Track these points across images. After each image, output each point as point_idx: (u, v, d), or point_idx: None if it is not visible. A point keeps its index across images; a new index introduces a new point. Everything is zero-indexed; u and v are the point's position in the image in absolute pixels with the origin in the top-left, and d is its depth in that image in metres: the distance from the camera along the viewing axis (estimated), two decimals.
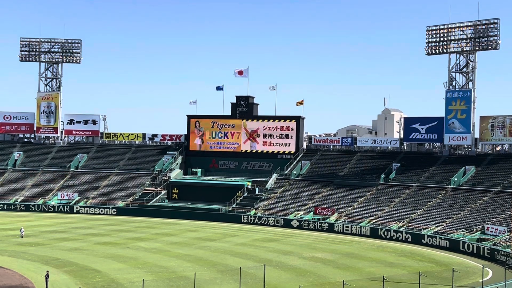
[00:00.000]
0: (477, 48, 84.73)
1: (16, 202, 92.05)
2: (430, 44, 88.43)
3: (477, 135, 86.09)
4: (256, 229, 76.43)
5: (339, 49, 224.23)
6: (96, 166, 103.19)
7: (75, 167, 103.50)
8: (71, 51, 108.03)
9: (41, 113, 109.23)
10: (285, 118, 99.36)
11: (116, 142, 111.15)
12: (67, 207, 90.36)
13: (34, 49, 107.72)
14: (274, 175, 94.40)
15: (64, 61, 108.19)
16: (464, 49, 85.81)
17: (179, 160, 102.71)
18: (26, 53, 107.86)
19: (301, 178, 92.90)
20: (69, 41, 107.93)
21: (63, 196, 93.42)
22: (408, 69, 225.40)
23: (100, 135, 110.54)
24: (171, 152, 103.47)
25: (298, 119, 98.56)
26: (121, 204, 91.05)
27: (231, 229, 75.75)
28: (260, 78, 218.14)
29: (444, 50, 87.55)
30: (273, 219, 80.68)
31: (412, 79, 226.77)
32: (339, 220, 77.05)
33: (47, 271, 41.49)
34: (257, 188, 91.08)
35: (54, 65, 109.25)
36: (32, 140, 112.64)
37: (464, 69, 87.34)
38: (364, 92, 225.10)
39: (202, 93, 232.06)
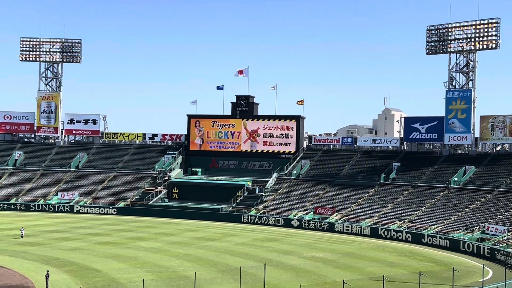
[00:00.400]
0: (477, 48, 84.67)
1: (16, 202, 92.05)
2: (430, 44, 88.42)
3: (477, 134, 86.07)
4: (256, 229, 76.42)
5: (339, 48, 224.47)
6: (96, 166, 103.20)
7: (75, 167, 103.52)
8: (71, 50, 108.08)
9: (41, 112, 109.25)
10: (285, 117, 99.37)
11: (116, 141, 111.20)
12: (67, 207, 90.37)
13: (34, 49, 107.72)
14: (274, 175, 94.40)
15: (64, 60, 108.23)
16: (464, 49, 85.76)
17: (179, 159, 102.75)
18: (26, 52, 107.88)
19: (301, 177, 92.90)
20: (69, 40, 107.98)
21: (63, 196, 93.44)
22: (408, 69, 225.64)
23: (100, 135, 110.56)
24: (171, 152, 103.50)
25: (298, 119, 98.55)
26: (121, 204, 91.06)
27: (231, 229, 75.73)
28: (260, 77, 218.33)
29: (444, 50, 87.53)
30: (273, 218, 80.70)
31: (412, 79, 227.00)
32: (339, 219, 77.05)
33: (47, 271, 41.57)
34: (257, 188, 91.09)
35: (54, 64, 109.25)
36: (32, 140, 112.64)
37: (464, 69, 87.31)
38: (364, 91, 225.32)
39: (202, 92, 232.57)
